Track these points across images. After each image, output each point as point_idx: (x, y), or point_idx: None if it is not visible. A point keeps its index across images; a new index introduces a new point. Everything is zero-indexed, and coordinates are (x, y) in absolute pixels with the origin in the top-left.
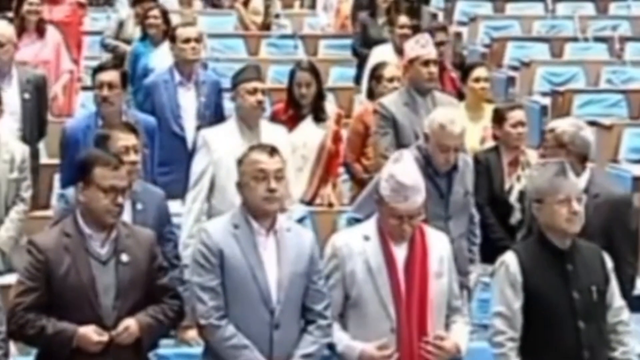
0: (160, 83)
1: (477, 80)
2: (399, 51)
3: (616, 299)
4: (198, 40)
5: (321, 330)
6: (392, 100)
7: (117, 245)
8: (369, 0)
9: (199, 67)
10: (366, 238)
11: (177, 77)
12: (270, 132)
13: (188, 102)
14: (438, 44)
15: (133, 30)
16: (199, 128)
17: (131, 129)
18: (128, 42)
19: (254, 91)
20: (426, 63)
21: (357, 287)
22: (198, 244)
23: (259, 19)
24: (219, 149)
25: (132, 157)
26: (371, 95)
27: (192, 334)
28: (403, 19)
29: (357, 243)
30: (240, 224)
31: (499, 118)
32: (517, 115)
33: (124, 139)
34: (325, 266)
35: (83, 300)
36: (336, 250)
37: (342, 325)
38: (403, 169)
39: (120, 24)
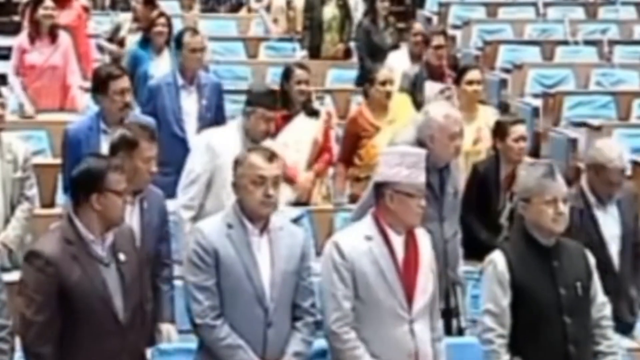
0: (163, 86)
1: (470, 82)
2: (413, 57)
3: (599, 294)
4: (203, 49)
5: (309, 327)
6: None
7: (114, 246)
8: (370, 7)
9: (200, 70)
10: (368, 238)
11: (180, 80)
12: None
13: (190, 104)
14: (436, 47)
15: (127, 33)
16: (200, 130)
17: (156, 138)
18: (120, 43)
19: (269, 119)
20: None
21: (369, 288)
22: (193, 244)
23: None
24: (223, 155)
25: (153, 167)
26: (365, 96)
27: (166, 327)
28: (418, 26)
29: (361, 244)
30: (234, 223)
31: (501, 131)
32: (519, 129)
33: (149, 149)
34: (333, 271)
35: (99, 304)
36: (344, 252)
37: (357, 334)
38: (408, 147)
39: (117, 28)
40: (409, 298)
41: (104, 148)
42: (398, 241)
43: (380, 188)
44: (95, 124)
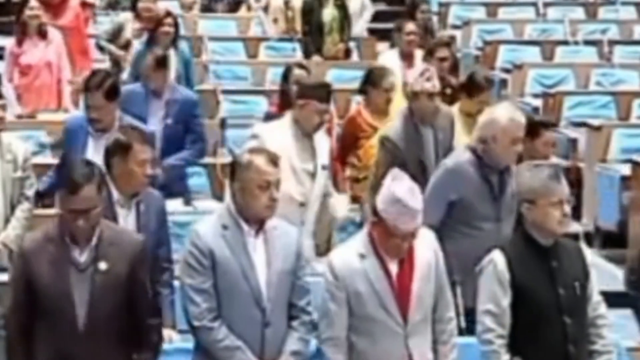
0: (137, 93)
1: (481, 102)
2: (404, 57)
3: (595, 293)
4: (166, 66)
5: (305, 326)
6: (397, 135)
7: (97, 253)
8: (408, 11)
9: (171, 86)
10: (362, 256)
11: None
12: (318, 139)
13: (155, 121)
14: (441, 60)
15: (131, 35)
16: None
17: (150, 141)
18: (125, 46)
19: (323, 112)
20: (431, 96)
21: (362, 306)
22: (189, 246)
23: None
24: (272, 147)
25: (149, 170)
26: (365, 97)
27: (167, 332)
28: (410, 26)
29: (355, 262)
30: (229, 224)
31: (533, 132)
32: (551, 136)
33: (142, 152)
34: (327, 291)
35: (60, 306)
36: (336, 272)
37: (354, 346)
38: (409, 191)
39: (119, 29)
40: (404, 314)
41: (91, 150)
42: (393, 260)
43: (374, 209)
44: (86, 125)
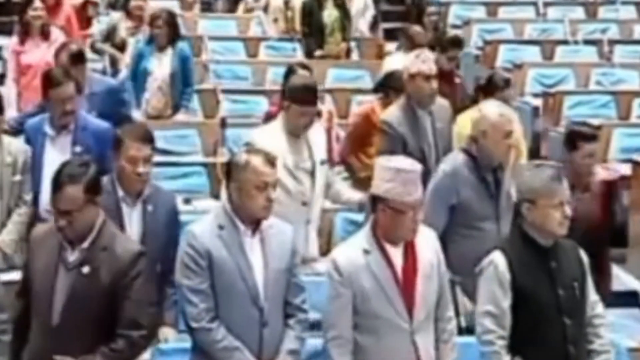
0: None
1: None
2: None
3: (592, 292)
4: (83, 61)
5: (301, 324)
6: (397, 119)
7: (86, 255)
8: (416, 14)
9: (90, 79)
10: (366, 252)
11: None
12: (313, 135)
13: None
14: (451, 59)
15: (125, 34)
16: None
17: (147, 139)
18: (120, 46)
19: (305, 114)
20: (427, 78)
21: (368, 303)
22: (185, 247)
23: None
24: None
25: (140, 168)
26: (384, 97)
27: (166, 331)
28: (417, 32)
29: (359, 258)
30: (226, 224)
31: (572, 144)
32: (592, 147)
33: (133, 149)
34: (332, 289)
35: (42, 299)
36: (341, 269)
37: (358, 343)
38: (404, 161)
39: (113, 28)
40: (409, 309)
41: (49, 152)
42: (396, 252)
43: (374, 201)
44: (42, 127)
